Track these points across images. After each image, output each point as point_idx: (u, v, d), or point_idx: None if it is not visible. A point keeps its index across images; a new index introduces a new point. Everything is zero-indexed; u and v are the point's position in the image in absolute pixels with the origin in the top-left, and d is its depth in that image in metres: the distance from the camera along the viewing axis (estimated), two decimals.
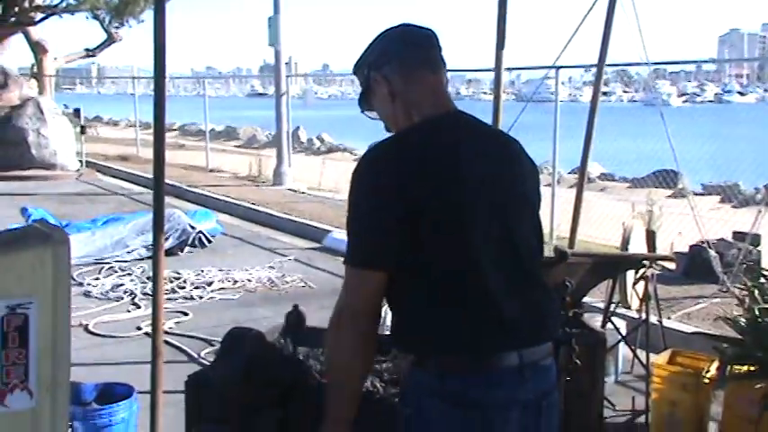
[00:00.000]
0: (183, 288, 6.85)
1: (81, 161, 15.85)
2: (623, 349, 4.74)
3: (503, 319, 1.79)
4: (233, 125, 28.87)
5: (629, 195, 11.50)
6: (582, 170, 5.18)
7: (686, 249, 6.86)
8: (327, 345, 1.98)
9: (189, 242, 8.32)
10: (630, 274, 4.20)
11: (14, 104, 15.56)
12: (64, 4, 20.68)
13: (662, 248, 5.64)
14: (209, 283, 7.02)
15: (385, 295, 1.84)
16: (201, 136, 19.66)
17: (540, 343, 1.86)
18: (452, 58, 2.06)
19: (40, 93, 18.77)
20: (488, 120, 3.42)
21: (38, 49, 21.61)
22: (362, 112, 2.07)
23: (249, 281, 7.17)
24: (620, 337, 4.33)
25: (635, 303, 4.36)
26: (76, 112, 16.57)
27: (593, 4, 5.09)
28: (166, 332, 5.23)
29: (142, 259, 7.79)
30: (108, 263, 7.72)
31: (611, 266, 3.93)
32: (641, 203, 6.04)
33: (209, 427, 2.67)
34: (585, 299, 3.66)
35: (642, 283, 4.20)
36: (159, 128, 3.16)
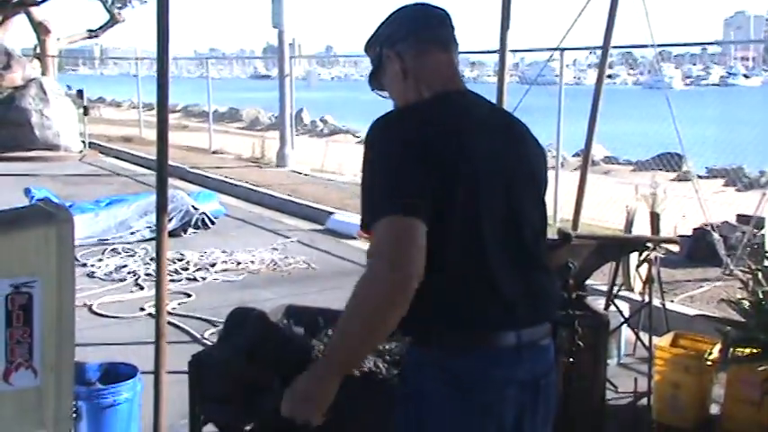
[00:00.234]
0: (187, 269, 6.86)
1: (84, 142, 15.81)
2: (626, 332, 4.74)
3: (504, 299, 1.79)
4: (236, 107, 28.81)
5: (633, 178, 11.46)
6: (586, 153, 5.17)
7: (690, 232, 6.86)
8: (356, 300, 1.69)
9: (192, 223, 8.32)
10: (634, 257, 4.20)
11: (17, 85, 15.51)
12: None
13: (666, 231, 5.62)
14: (213, 265, 7.03)
15: None
16: (204, 117, 19.65)
17: (538, 323, 1.86)
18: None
19: (43, 73, 18.69)
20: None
21: (40, 29, 21.51)
22: (372, 90, 2.05)
23: (252, 262, 7.18)
24: (622, 319, 4.33)
25: (638, 286, 4.36)
26: (79, 92, 16.51)
27: None
28: (170, 313, 5.24)
29: (145, 240, 7.79)
30: (111, 244, 7.73)
31: (615, 249, 3.92)
32: (645, 186, 6.01)
33: (212, 406, 2.68)
34: (589, 281, 3.66)
35: (645, 265, 4.20)
36: (163, 109, 3.16)
